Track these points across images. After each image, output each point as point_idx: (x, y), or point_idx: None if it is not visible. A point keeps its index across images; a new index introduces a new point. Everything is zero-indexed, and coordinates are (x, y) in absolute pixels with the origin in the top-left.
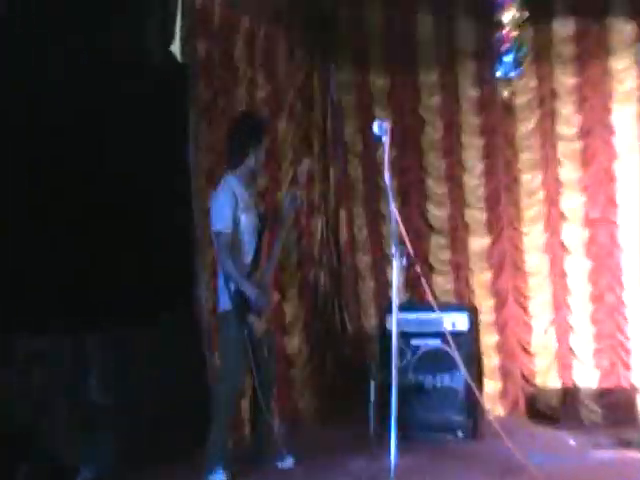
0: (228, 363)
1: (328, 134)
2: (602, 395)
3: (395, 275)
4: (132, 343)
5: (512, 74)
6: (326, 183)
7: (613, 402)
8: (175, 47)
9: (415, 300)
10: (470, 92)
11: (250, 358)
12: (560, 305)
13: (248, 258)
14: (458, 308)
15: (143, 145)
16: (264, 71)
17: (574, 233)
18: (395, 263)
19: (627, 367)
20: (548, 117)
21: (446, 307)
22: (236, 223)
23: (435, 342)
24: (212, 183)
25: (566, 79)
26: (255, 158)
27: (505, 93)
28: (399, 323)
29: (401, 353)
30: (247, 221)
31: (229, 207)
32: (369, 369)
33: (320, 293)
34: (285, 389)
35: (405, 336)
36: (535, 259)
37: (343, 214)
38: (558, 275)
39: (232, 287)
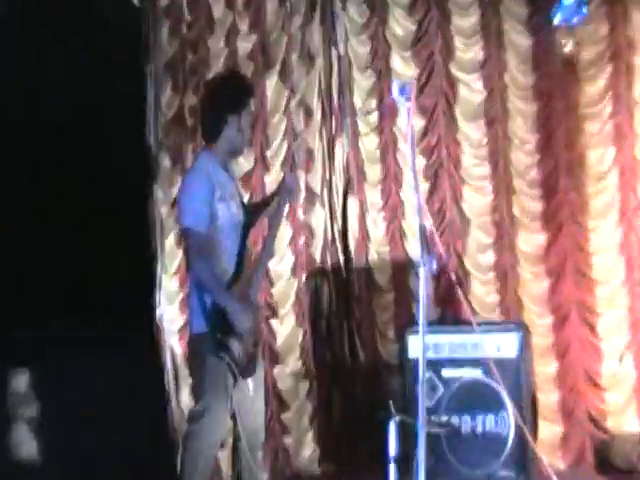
0: (204, 402)
1: (333, 99)
2: None
3: (422, 284)
4: (64, 379)
5: (574, 19)
6: (331, 163)
7: None
8: None
9: (448, 317)
10: (520, 42)
11: (231, 396)
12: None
13: (229, 263)
14: (504, 327)
15: (86, 118)
16: (248, 15)
17: None
18: (421, 269)
19: None
20: (623, 76)
21: (489, 326)
22: (212, 217)
23: (474, 373)
24: (179, 165)
25: None
26: (236, 128)
27: (565, 44)
28: (427, 348)
29: (430, 388)
30: (227, 214)
31: (203, 195)
32: (387, 410)
33: (323, 309)
34: (277, 437)
35: (435, 365)
36: (606, 263)
37: (353, 204)
38: (637, 283)
39: (208, 302)
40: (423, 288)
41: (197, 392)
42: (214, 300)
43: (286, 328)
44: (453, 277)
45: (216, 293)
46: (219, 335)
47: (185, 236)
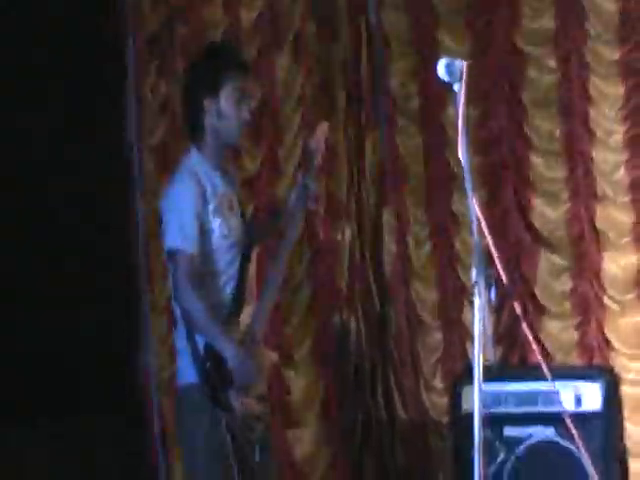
0: (196, 476)
1: (362, 81)
2: None
3: (476, 319)
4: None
5: None
6: (359, 165)
7: None
8: None
9: (512, 361)
10: (604, 5)
11: (232, 467)
12: None
13: (226, 293)
14: (586, 374)
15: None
16: None
17: None
18: (476, 299)
19: None
20: None
21: (566, 372)
22: (205, 235)
23: (547, 432)
24: (169, 169)
25: None
26: (216, 114)
27: None
28: (486, 401)
29: (490, 451)
30: (224, 230)
31: (192, 208)
32: (435, 479)
33: (351, 354)
34: None
35: (496, 422)
36: None
37: (389, 218)
38: None
39: (200, 344)
40: (479, 323)
41: (188, 462)
42: (207, 341)
43: (303, 379)
44: (518, 309)
45: (209, 332)
46: (214, 387)
47: (170, 260)
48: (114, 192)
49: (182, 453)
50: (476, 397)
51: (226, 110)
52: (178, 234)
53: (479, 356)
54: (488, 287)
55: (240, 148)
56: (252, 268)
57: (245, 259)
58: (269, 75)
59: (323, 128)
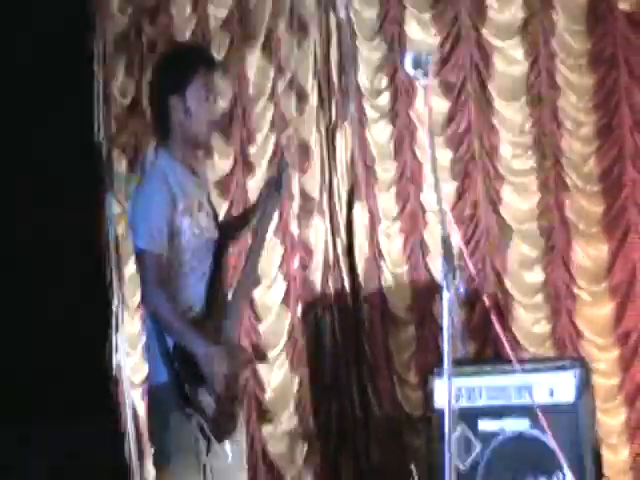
0: (169, 474)
1: (333, 76)
2: None
3: (445, 313)
4: None
5: None
6: (331, 161)
7: None
8: None
9: (487, 354)
10: None
11: (204, 465)
12: None
13: (197, 293)
14: (558, 365)
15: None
16: None
17: None
18: (445, 293)
19: None
20: None
21: (538, 364)
22: (174, 235)
23: (520, 424)
24: (139, 169)
25: None
26: (183, 111)
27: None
28: (458, 394)
29: (465, 445)
30: (195, 230)
31: (160, 208)
32: (410, 475)
33: (326, 351)
34: None
35: (469, 416)
36: None
37: (360, 213)
38: None
39: (170, 344)
40: (448, 317)
41: (160, 461)
42: (177, 341)
43: (278, 376)
44: (487, 302)
45: (178, 331)
46: (185, 386)
47: (139, 260)
48: (83, 192)
49: (155, 451)
50: (447, 391)
51: (193, 108)
52: (146, 235)
53: (448, 348)
54: (457, 281)
55: (212, 147)
56: (225, 267)
57: (217, 258)
58: (239, 73)
59: (294, 125)
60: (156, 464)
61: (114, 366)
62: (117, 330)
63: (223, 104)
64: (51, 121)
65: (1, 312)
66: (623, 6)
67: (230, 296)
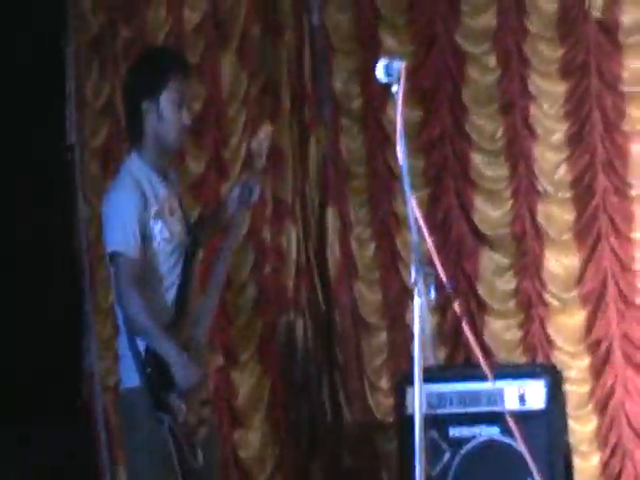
0: (139, 478)
1: (306, 82)
2: None
3: (416, 319)
4: None
5: None
6: (304, 166)
7: None
8: None
9: (458, 361)
10: (544, 4)
11: (177, 471)
12: None
13: (168, 297)
14: (530, 372)
15: None
16: None
17: None
18: (417, 300)
19: None
20: None
21: (509, 371)
22: (146, 238)
23: (492, 431)
24: (112, 172)
25: None
26: (156, 115)
27: (599, 5)
28: (430, 401)
29: (435, 452)
30: (166, 234)
31: (132, 212)
32: None
33: (298, 355)
34: None
35: (441, 423)
36: None
37: (332, 219)
38: None
39: (141, 348)
40: (419, 324)
41: (131, 466)
42: (149, 345)
43: (249, 380)
44: (459, 308)
45: (151, 336)
46: (156, 391)
47: (113, 263)
48: (56, 195)
49: (126, 455)
50: (417, 398)
51: (166, 113)
52: (119, 238)
53: (419, 355)
54: (428, 287)
55: (184, 151)
56: (196, 272)
57: (188, 263)
58: (213, 76)
59: (267, 129)
60: (128, 466)
61: (86, 369)
62: (90, 333)
63: (197, 107)
64: (23, 123)
65: (1, 312)
66: (595, 13)
67: (200, 301)
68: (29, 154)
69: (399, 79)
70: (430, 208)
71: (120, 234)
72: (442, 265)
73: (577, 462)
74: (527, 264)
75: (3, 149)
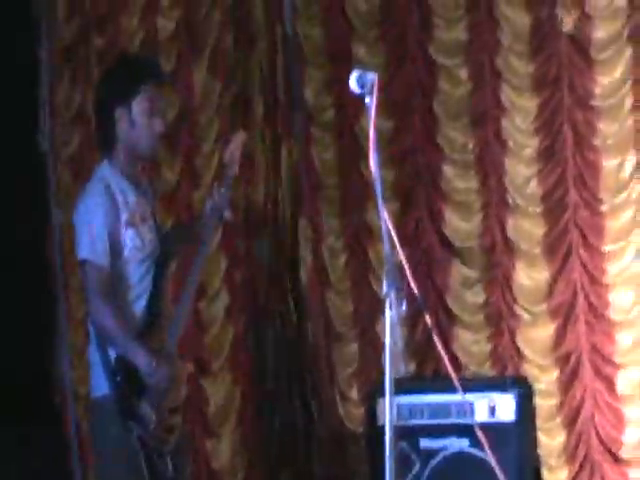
0: None
1: (279, 93)
2: None
3: (387, 330)
4: None
5: None
6: (276, 176)
7: None
8: None
9: (427, 373)
10: (516, 18)
11: (144, 477)
12: None
13: (139, 305)
14: (500, 385)
15: None
16: None
17: None
18: (388, 311)
19: None
20: None
21: (478, 383)
22: (117, 246)
23: (462, 443)
24: (85, 179)
25: None
26: (128, 122)
27: (571, 21)
28: (400, 413)
29: (405, 463)
30: (137, 242)
31: (102, 219)
32: None
33: (269, 364)
34: None
35: (411, 435)
36: (626, 299)
37: (304, 229)
38: None
39: (111, 356)
40: (390, 335)
41: (101, 473)
42: (119, 353)
43: (221, 389)
44: (429, 321)
45: (122, 343)
46: (126, 399)
47: (83, 270)
48: (28, 203)
49: (95, 462)
50: (387, 409)
51: (138, 120)
52: (89, 246)
53: (390, 366)
54: (399, 299)
55: (158, 159)
56: (167, 281)
57: (160, 271)
58: (186, 85)
59: (239, 138)
60: (97, 474)
61: (57, 376)
62: (63, 341)
63: (170, 115)
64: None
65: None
66: (566, 28)
67: (172, 310)
68: (2, 162)
69: (372, 90)
70: (401, 219)
71: (89, 242)
72: (412, 277)
73: (546, 475)
74: (497, 277)
75: None
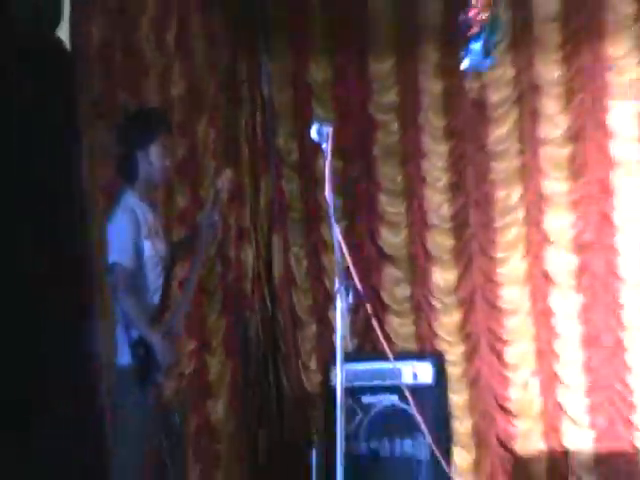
0: (130, 437)
1: (258, 140)
2: (599, 461)
3: (338, 317)
4: None
5: (482, 65)
6: (257, 202)
7: (613, 470)
8: (63, 31)
9: (367, 348)
10: (433, 86)
11: (159, 429)
12: (544, 351)
13: (154, 298)
14: (420, 356)
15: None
16: (179, 61)
17: (561, 261)
18: (339, 303)
19: (629, 425)
20: (528, 117)
21: (405, 355)
22: (138, 253)
23: (393, 399)
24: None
25: (550, 70)
26: (147, 162)
27: (473, 88)
28: (347, 377)
29: (351, 414)
30: (152, 251)
31: (130, 232)
32: (311, 438)
33: (252, 344)
34: (210, 469)
35: (355, 393)
36: (513, 294)
37: (277, 242)
38: (541, 313)
39: (133, 335)
40: (340, 320)
41: (122, 426)
42: (139, 333)
43: (218, 362)
44: (370, 309)
45: (140, 326)
46: (145, 368)
47: (112, 271)
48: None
49: (117, 424)
50: (338, 374)
51: (155, 160)
52: (118, 251)
53: (340, 343)
54: (347, 293)
55: (174, 189)
56: (173, 280)
57: (168, 274)
58: (191, 135)
59: (227, 174)
60: (119, 428)
61: (94, 352)
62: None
63: (180, 156)
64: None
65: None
66: (470, 94)
67: (177, 301)
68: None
69: (327, 139)
70: (347, 235)
71: (119, 249)
72: (357, 277)
73: (455, 424)
74: (418, 277)
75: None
